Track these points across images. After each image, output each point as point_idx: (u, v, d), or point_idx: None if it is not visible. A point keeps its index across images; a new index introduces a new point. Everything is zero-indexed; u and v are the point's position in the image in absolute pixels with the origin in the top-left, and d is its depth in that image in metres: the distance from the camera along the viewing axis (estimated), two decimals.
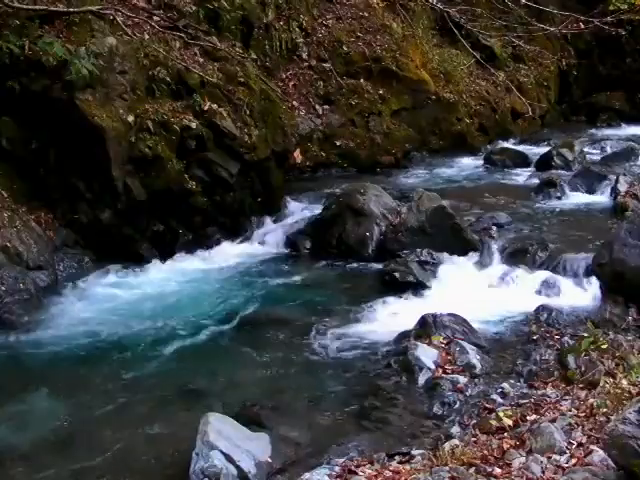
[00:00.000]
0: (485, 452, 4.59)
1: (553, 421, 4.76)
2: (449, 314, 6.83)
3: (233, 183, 9.48)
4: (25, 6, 8.42)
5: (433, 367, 6.15)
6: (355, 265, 8.93)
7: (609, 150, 13.32)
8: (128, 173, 8.73)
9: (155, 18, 9.60)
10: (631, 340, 6.13)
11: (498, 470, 4.27)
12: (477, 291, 7.89)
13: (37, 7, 8.55)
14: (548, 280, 7.89)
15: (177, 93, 9.33)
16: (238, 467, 4.78)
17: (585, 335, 6.21)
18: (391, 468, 4.66)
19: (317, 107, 12.51)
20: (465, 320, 6.85)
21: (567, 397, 5.40)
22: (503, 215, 9.70)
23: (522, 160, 13.04)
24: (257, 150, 9.68)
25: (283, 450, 5.15)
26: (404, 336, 6.72)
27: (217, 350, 6.95)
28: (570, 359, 5.90)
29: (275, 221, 10.04)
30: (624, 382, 5.23)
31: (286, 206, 10.37)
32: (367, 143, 12.70)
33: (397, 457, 4.91)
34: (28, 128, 8.49)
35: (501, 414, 5.18)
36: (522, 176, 12.21)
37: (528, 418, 5.09)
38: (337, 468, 4.77)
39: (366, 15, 13.64)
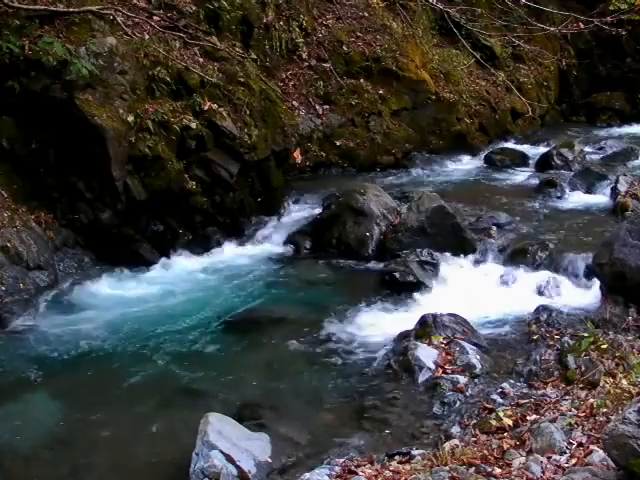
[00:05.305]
0: (485, 452, 4.60)
1: (553, 421, 4.76)
2: (449, 314, 6.83)
3: (233, 183, 9.48)
4: (25, 6, 8.42)
5: (433, 367, 6.16)
6: (355, 265, 8.93)
7: (609, 150, 13.32)
8: (128, 173, 8.73)
9: (155, 18, 9.60)
10: (631, 340, 6.12)
11: (498, 470, 4.27)
12: (477, 291, 7.89)
13: (37, 7, 8.54)
14: (548, 280, 7.89)
15: (177, 93, 9.33)
16: (238, 467, 4.78)
17: (585, 335, 6.21)
18: (391, 468, 4.66)
19: (317, 107, 12.51)
20: (465, 320, 6.86)
21: (567, 397, 5.40)
22: (503, 215, 9.71)
23: (522, 160, 13.04)
24: (257, 150, 9.68)
25: (283, 450, 5.15)
26: (404, 336, 6.73)
27: (217, 350, 6.95)
28: (570, 359, 5.90)
29: (275, 221, 10.04)
30: (624, 382, 5.24)
31: (286, 206, 10.37)
32: (367, 143, 12.69)
33: (397, 457, 4.92)
34: (28, 128, 8.48)
35: (501, 414, 5.18)
36: (522, 176, 12.21)
37: (528, 418, 5.09)
38: (337, 468, 4.76)
39: (366, 15, 13.64)
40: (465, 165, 13.19)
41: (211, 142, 9.27)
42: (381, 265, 8.68)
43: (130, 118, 8.69)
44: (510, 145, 14.26)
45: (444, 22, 13.47)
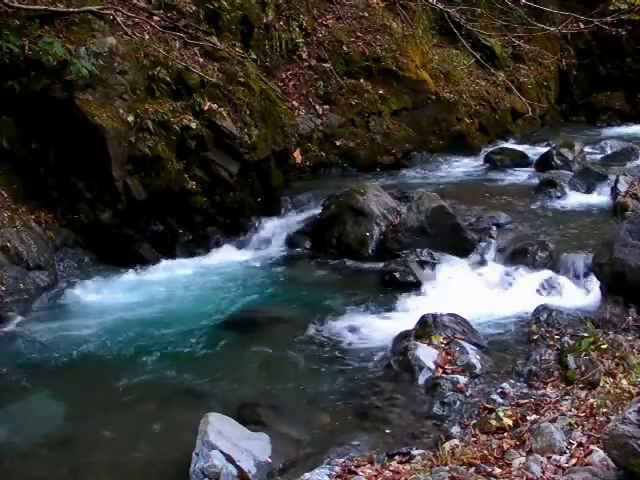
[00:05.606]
0: (485, 452, 4.60)
1: (553, 421, 4.76)
2: (449, 314, 6.83)
3: (233, 183, 9.49)
4: (25, 6, 8.43)
5: (433, 367, 6.15)
6: (355, 265, 8.93)
7: (609, 150, 13.31)
8: (128, 173, 8.73)
9: (155, 18, 9.61)
10: (631, 340, 6.12)
11: (498, 470, 4.27)
12: (477, 291, 7.89)
13: (37, 7, 8.55)
14: (548, 280, 7.89)
15: (177, 93, 9.34)
16: (238, 467, 4.78)
17: (585, 335, 6.21)
18: (391, 468, 4.66)
19: (317, 107, 12.51)
20: (465, 320, 6.85)
21: (567, 397, 5.40)
22: (503, 215, 9.70)
23: (522, 160, 13.03)
24: (257, 150, 9.68)
25: (283, 450, 5.15)
26: (404, 336, 6.72)
27: (217, 350, 6.95)
28: (570, 359, 5.89)
29: (275, 221, 10.04)
30: (624, 382, 5.24)
31: (286, 206, 10.37)
32: (367, 143, 12.69)
33: (397, 457, 4.92)
34: (28, 128, 8.49)
35: (501, 414, 5.18)
36: (522, 176, 12.19)
37: (528, 418, 5.09)
38: (337, 468, 4.77)
39: (366, 15, 13.63)
40: (465, 165, 13.18)
41: (211, 142, 9.27)
42: (381, 265, 8.68)
43: (130, 118, 8.70)
44: (510, 145, 14.23)
45: (444, 22, 13.46)
